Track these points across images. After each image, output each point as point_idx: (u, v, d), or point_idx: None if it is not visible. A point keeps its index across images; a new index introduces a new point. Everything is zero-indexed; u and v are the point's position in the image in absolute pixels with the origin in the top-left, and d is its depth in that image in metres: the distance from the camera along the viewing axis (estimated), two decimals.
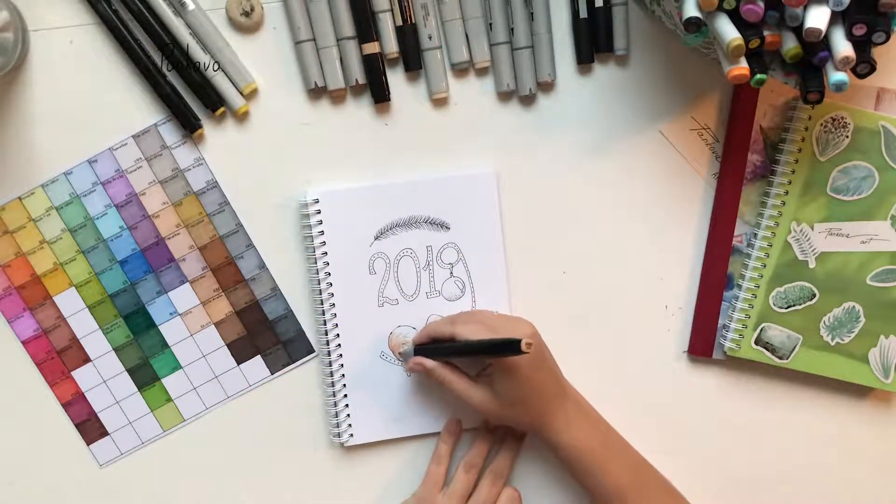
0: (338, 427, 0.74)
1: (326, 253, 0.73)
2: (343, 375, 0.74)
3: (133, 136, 0.72)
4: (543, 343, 0.69)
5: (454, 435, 0.75)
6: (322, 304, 0.73)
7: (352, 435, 0.75)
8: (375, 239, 0.74)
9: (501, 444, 0.75)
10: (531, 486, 0.76)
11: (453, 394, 0.70)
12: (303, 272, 0.74)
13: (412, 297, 0.74)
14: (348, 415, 0.74)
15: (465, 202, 0.74)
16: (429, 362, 0.70)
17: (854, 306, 0.74)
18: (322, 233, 0.73)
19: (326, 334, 0.74)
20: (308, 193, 0.73)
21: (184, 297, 0.74)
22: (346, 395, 0.74)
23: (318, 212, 0.73)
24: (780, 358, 0.75)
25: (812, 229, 0.73)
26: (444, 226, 0.74)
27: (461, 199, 0.74)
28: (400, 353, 0.74)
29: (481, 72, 0.74)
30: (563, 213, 0.75)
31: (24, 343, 0.74)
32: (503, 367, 0.67)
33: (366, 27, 0.72)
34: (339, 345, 0.74)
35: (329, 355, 0.74)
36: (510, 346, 0.63)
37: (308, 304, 0.75)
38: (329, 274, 0.73)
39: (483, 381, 0.70)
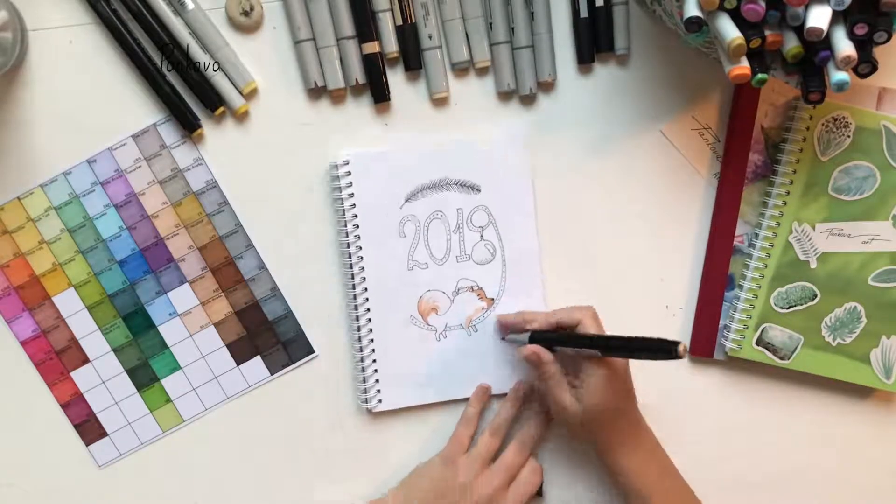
0: (365, 392, 0.74)
1: (357, 216, 0.72)
2: (372, 340, 0.74)
3: (132, 136, 0.72)
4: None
5: (483, 400, 0.75)
6: (352, 267, 0.73)
7: (380, 401, 0.74)
8: (406, 201, 0.73)
9: (531, 415, 0.75)
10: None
11: (547, 390, 0.70)
12: (303, 271, 0.74)
13: (442, 260, 0.74)
14: (377, 380, 0.74)
15: (496, 166, 0.73)
16: (546, 355, 0.69)
17: (855, 307, 0.74)
18: (352, 195, 0.72)
19: (355, 298, 0.73)
20: (339, 155, 0.72)
21: (183, 297, 0.74)
22: (374, 361, 0.74)
23: (349, 173, 0.72)
24: (782, 358, 0.75)
25: (813, 229, 0.73)
26: (474, 188, 0.73)
27: (491, 162, 0.73)
28: (510, 336, 0.73)
29: (481, 72, 0.74)
30: (563, 212, 0.75)
31: (23, 343, 0.74)
32: (606, 375, 0.67)
33: (366, 27, 0.71)
34: (368, 309, 0.73)
35: (357, 320, 0.73)
36: (664, 349, 0.61)
37: (308, 304, 0.74)
38: (359, 237, 0.73)
39: (574, 392, 0.69)
